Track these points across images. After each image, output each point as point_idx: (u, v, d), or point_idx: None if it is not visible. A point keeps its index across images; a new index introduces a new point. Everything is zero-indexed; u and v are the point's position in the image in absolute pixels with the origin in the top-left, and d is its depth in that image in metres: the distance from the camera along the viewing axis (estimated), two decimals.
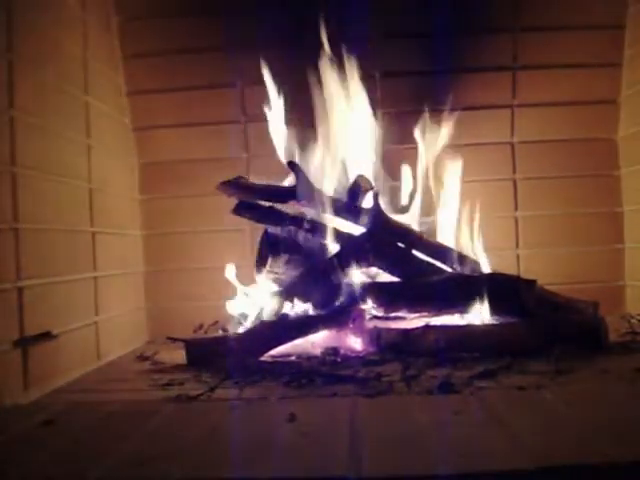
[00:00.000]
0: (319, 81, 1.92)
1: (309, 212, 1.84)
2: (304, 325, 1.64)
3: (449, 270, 1.81)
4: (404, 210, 1.97)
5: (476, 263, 1.86)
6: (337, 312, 1.67)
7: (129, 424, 1.13)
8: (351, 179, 1.90)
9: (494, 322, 1.66)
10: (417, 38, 2.09)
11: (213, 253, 2.13)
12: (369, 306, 1.70)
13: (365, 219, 1.84)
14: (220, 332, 1.88)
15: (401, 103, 2.11)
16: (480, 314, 1.67)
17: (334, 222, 1.84)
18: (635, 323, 1.81)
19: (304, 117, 1.94)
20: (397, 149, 2.03)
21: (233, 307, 1.86)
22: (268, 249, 1.82)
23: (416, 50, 2.10)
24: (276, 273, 1.81)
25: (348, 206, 1.85)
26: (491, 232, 1.96)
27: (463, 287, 1.68)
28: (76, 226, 1.67)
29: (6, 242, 1.33)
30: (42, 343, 1.42)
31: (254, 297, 1.85)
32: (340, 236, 1.82)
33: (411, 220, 1.94)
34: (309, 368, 1.48)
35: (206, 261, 2.14)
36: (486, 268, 1.88)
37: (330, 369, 1.47)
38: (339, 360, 1.56)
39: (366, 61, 1.94)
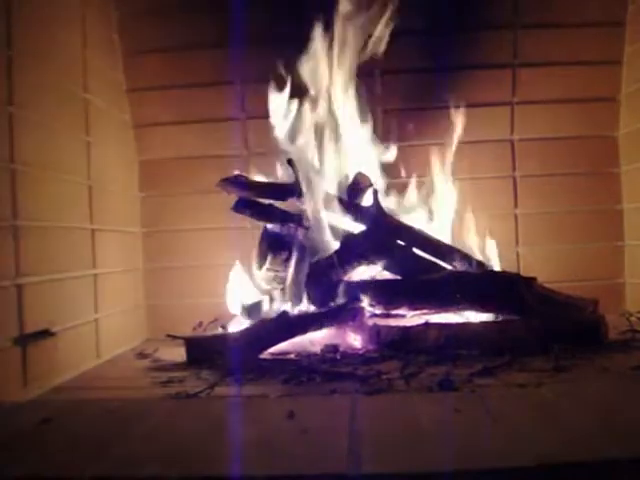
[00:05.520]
0: (319, 78, 1.92)
1: (308, 210, 1.84)
2: (304, 323, 1.64)
3: (449, 268, 1.80)
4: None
5: (476, 261, 1.85)
6: (337, 310, 1.67)
7: (129, 421, 1.12)
8: (350, 176, 1.90)
9: (494, 320, 1.66)
10: (417, 35, 2.09)
11: (213, 251, 2.13)
12: (369, 304, 1.70)
13: (365, 216, 1.83)
14: (220, 330, 1.87)
15: (401, 100, 2.10)
16: (480, 312, 1.67)
17: (334, 220, 1.84)
18: (635, 321, 1.81)
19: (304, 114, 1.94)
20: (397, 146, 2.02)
21: (234, 304, 1.86)
22: (267, 247, 1.82)
23: (416, 47, 2.09)
24: (276, 271, 1.81)
25: (347, 203, 1.85)
26: (491, 229, 1.95)
27: (463, 285, 1.68)
28: (75, 223, 1.67)
29: (5, 239, 1.33)
30: (41, 341, 1.42)
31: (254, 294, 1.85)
32: (340, 234, 1.82)
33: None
34: (309, 366, 1.47)
35: (206, 259, 2.14)
36: (486, 266, 1.87)
37: (330, 367, 1.47)
38: (339, 358, 1.56)
39: (366, 59, 1.94)
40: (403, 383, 1.32)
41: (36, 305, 1.41)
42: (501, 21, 2.09)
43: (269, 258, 1.82)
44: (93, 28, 1.85)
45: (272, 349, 1.61)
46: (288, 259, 1.79)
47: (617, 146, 2.16)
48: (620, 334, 1.70)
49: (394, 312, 1.73)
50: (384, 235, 1.81)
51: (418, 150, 2.03)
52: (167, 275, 2.17)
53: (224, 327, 1.86)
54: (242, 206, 1.88)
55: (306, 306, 1.73)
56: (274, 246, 1.81)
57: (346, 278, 1.76)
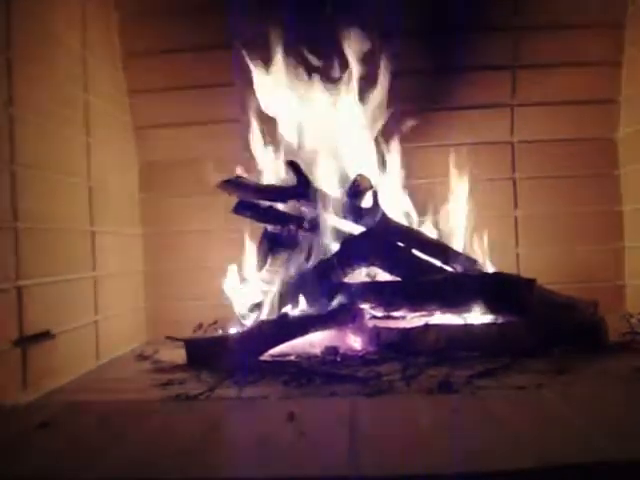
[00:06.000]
0: (321, 80, 1.92)
1: (309, 211, 1.84)
2: (304, 324, 1.64)
3: (449, 269, 1.80)
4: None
5: (476, 262, 1.85)
6: (337, 311, 1.67)
7: (128, 424, 1.12)
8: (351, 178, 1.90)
9: (494, 321, 1.66)
10: (417, 37, 2.09)
11: (213, 252, 2.13)
12: (369, 305, 1.70)
13: (365, 218, 1.83)
14: (220, 332, 1.87)
15: (401, 102, 2.10)
16: (480, 313, 1.67)
17: (334, 221, 1.84)
18: (635, 322, 1.81)
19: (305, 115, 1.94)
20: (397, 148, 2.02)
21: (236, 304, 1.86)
22: (268, 248, 1.82)
23: (416, 49, 2.10)
24: (276, 272, 1.81)
25: (348, 205, 1.85)
26: (491, 231, 1.95)
27: (463, 286, 1.67)
28: (76, 225, 1.67)
29: (5, 241, 1.32)
30: (41, 343, 1.41)
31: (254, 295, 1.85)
32: (340, 235, 1.82)
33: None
34: (309, 367, 1.48)
35: (206, 260, 2.14)
36: (486, 267, 1.87)
37: (330, 368, 1.47)
38: (339, 359, 1.56)
39: (366, 59, 1.94)
40: (403, 385, 1.32)
41: (36, 307, 1.41)
42: (501, 23, 2.09)
43: (269, 260, 1.82)
44: (93, 29, 1.85)
45: (272, 351, 1.61)
46: (288, 261, 1.79)
47: (617, 148, 2.16)
48: (620, 336, 1.69)
49: (394, 314, 1.73)
50: (384, 237, 1.81)
51: (420, 152, 2.04)
52: (167, 277, 2.17)
53: (224, 329, 1.86)
54: (243, 208, 1.88)
55: (306, 308, 1.73)
56: (274, 248, 1.81)
57: (346, 280, 1.76)
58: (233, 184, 1.88)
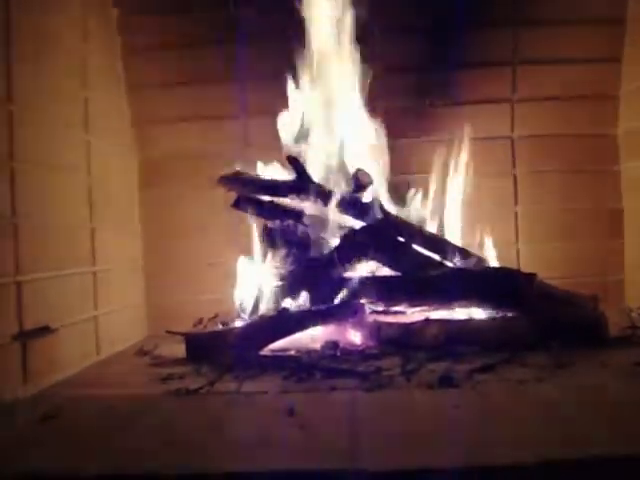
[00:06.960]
0: (320, 76, 1.92)
1: (309, 206, 1.84)
2: (304, 319, 1.64)
3: (449, 264, 1.80)
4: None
5: (476, 257, 1.85)
6: (337, 306, 1.67)
7: (129, 418, 1.13)
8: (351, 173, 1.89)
9: (494, 316, 1.66)
10: (417, 33, 2.09)
11: (212, 248, 2.13)
12: (369, 300, 1.70)
13: (365, 213, 1.83)
14: (220, 326, 1.87)
15: (402, 98, 2.10)
16: (480, 308, 1.67)
17: (334, 216, 1.84)
18: (635, 317, 1.81)
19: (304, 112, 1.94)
20: (398, 143, 2.02)
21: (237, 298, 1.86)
22: (268, 243, 1.82)
23: (417, 45, 2.09)
24: (276, 267, 1.81)
25: (348, 200, 1.85)
26: (491, 226, 1.95)
27: (463, 281, 1.67)
28: (75, 220, 1.66)
29: (5, 236, 1.32)
30: (41, 337, 1.41)
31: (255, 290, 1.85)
32: (340, 230, 1.82)
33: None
34: (309, 362, 1.47)
35: (206, 255, 2.14)
36: (486, 262, 1.87)
37: (330, 363, 1.47)
38: (339, 354, 1.56)
39: (367, 56, 1.94)
40: (403, 380, 1.32)
41: (36, 302, 1.41)
42: (501, 18, 2.09)
43: (269, 255, 1.82)
44: (93, 25, 1.85)
45: (272, 346, 1.61)
46: (288, 256, 1.79)
47: (617, 143, 2.16)
48: (620, 330, 1.69)
49: (394, 309, 1.73)
50: (384, 232, 1.81)
51: (419, 147, 2.04)
52: (167, 272, 2.17)
53: (224, 324, 1.86)
54: (243, 203, 1.88)
55: (306, 303, 1.73)
56: (274, 243, 1.81)
57: (346, 275, 1.76)
58: (232, 179, 1.88)
